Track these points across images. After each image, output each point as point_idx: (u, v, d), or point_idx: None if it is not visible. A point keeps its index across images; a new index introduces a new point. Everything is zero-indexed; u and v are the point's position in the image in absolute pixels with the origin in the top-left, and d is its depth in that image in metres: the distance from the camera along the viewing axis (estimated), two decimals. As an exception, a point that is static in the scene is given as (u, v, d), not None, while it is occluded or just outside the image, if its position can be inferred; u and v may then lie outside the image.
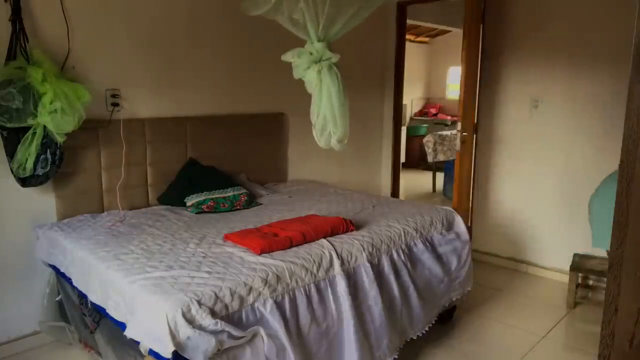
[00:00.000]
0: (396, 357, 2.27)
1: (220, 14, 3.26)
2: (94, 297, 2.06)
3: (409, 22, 4.68)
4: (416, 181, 7.38)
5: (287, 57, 2.37)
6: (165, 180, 3.04)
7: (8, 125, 2.29)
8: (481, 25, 3.85)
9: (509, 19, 3.73)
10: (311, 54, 2.30)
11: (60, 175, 2.59)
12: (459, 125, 3.72)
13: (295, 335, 1.89)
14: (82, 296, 2.23)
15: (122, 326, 1.84)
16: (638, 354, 0.87)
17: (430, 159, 6.57)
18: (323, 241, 2.23)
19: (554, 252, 3.68)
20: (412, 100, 8.88)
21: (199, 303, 1.65)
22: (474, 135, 4.05)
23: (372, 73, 4.46)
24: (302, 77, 2.36)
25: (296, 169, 3.92)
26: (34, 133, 2.36)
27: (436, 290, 2.60)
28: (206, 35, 3.24)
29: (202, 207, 2.81)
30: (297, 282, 1.96)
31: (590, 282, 3.46)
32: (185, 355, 1.59)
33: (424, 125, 8.41)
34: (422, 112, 8.97)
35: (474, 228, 4.09)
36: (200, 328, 1.61)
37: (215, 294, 1.71)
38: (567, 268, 3.34)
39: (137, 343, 1.73)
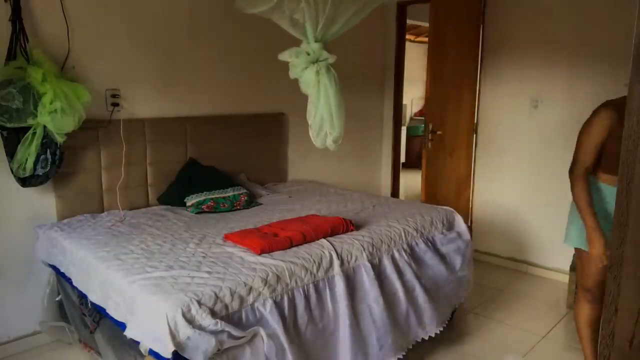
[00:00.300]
0: (400, 357, 2.26)
1: (220, 14, 3.26)
2: (94, 297, 2.06)
3: (409, 22, 4.67)
4: (416, 181, 7.36)
5: (284, 56, 2.36)
6: (165, 180, 3.04)
7: (8, 125, 2.29)
8: (481, 25, 3.87)
9: (509, 19, 3.73)
10: (308, 54, 2.30)
11: (60, 175, 2.60)
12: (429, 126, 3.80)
13: (294, 335, 1.89)
14: (82, 296, 2.23)
15: (122, 326, 1.84)
16: (638, 354, 0.87)
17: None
18: (323, 241, 2.23)
19: (554, 252, 3.68)
20: (412, 100, 8.87)
21: (199, 303, 1.65)
22: (474, 135, 4.06)
23: (372, 73, 4.46)
24: (299, 77, 2.35)
25: (296, 169, 3.92)
26: (34, 133, 2.36)
27: (444, 290, 2.60)
28: (206, 35, 3.23)
29: (202, 207, 2.81)
30: (297, 282, 1.96)
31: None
32: (185, 355, 1.59)
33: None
34: (422, 112, 8.97)
35: (473, 228, 4.09)
36: (200, 328, 1.61)
37: (215, 294, 1.71)
38: (567, 268, 3.34)
39: (137, 343, 1.73)
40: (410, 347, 2.36)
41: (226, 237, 2.26)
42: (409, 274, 2.40)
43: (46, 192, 2.63)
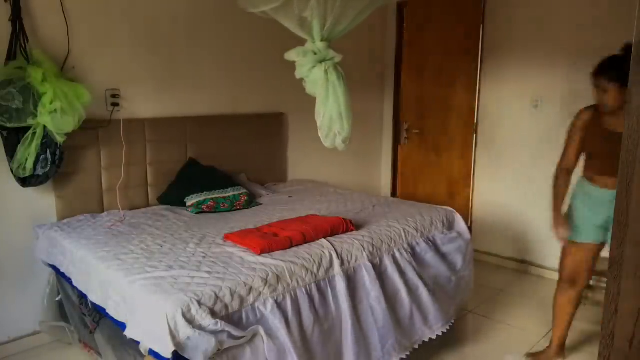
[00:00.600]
0: (404, 357, 2.26)
1: (220, 14, 3.26)
2: (94, 297, 2.06)
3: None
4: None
5: (292, 55, 2.33)
6: (165, 180, 3.04)
7: (8, 125, 2.29)
8: (481, 26, 3.87)
9: (509, 19, 3.73)
10: (315, 53, 2.29)
11: (60, 175, 2.60)
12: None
13: (298, 335, 1.88)
14: (82, 296, 2.23)
15: (122, 326, 1.84)
16: (638, 354, 0.87)
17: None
18: (323, 241, 2.23)
19: (554, 252, 3.66)
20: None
21: (199, 303, 1.65)
22: (474, 135, 4.06)
23: (372, 73, 4.46)
24: (306, 76, 2.33)
25: (296, 169, 3.92)
26: (34, 133, 2.36)
27: (447, 289, 2.60)
28: (206, 35, 3.23)
29: (202, 207, 2.81)
30: (297, 282, 1.96)
31: (591, 282, 3.45)
32: (185, 355, 1.59)
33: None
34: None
35: (474, 228, 4.09)
36: (200, 328, 1.61)
37: (215, 294, 1.71)
38: (567, 268, 3.33)
39: (137, 343, 1.73)
40: (417, 347, 2.35)
41: (226, 237, 2.26)
42: (411, 274, 2.39)
43: (46, 192, 2.63)
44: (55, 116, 2.34)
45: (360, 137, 4.36)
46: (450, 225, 2.81)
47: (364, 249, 2.25)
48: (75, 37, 2.64)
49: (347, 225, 2.39)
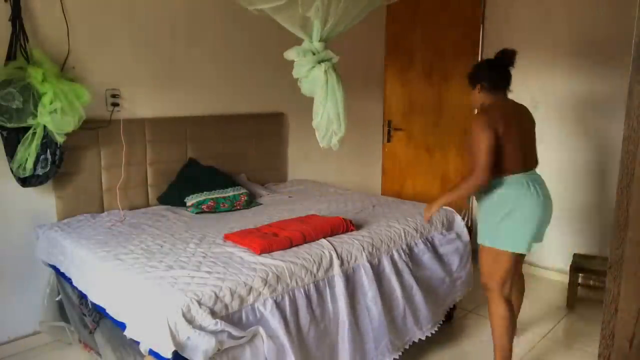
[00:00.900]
0: (396, 357, 2.26)
1: (220, 14, 3.26)
2: (94, 297, 2.06)
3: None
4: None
5: (291, 55, 2.32)
6: (165, 180, 3.04)
7: (8, 125, 2.29)
8: (481, 26, 3.87)
9: (509, 19, 3.73)
10: (313, 53, 2.28)
11: (60, 175, 2.60)
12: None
13: (295, 335, 1.89)
14: (82, 296, 2.23)
15: (122, 326, 1.84)
16: (638, 354, 0.87)
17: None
18: (323, 241, 2.23)
19: (554, 252, 3.68)
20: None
21: (199, 303, 1.65)
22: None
23: (372, 73, 4.45)
24: (304, 76, 2.32)
25: (296, 169, 3.92)
26: (34, 133, 2.36)
27: (439, 290, 2.60)
28: (206, 35, 3.23)
29: (202, 207, 2.81)
30: (297, 282, 1.96)
31: (591, 282, 3.45)
32: (185, 355, 1.59)
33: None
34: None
35: (473, 228, 4.09)
36: (200, 328, 1.61)
37: (215, 294, 1.71)
38: (567, 268, 3.34)
39: (137, 343, 1.73)
40: (407, 347, 2.36)
41: (226, 237, 2.26)
42: (406, 275, 2.40)
43: (46, 192, 2.63)
44: (55, 116, 2.34)
45: (359, 137, 4.36)
46: (449, 226, 2.81)
47: (364, 249, 2.25)
48: (75, 37, 2.64)
49: (347, 225, 2.39)
